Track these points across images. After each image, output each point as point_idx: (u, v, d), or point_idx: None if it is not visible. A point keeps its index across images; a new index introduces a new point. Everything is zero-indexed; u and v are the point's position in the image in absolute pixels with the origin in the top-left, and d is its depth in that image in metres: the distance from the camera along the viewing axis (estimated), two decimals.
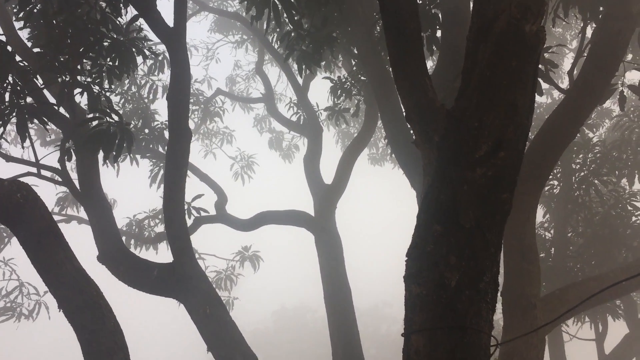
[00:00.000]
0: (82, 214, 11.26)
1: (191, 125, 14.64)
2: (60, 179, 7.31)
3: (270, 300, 52.18)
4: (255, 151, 15.17)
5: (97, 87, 7.18)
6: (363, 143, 10.83)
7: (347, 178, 10.48)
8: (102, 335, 4.65)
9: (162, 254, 11.30)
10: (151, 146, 10.59)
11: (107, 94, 7.59)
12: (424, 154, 3.41)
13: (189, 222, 10.22)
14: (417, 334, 2.90)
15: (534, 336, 5.32)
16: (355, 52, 8.81)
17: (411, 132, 6.16)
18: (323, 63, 10.63)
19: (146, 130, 10.62)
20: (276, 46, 11.36)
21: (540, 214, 11.93)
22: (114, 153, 6.79)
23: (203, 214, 9.79)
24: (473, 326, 2.83)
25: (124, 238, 11.51)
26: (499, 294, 5.82)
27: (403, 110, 3.93)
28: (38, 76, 6.90)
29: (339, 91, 9.69)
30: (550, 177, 10.84)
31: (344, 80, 9.68)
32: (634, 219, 10.17)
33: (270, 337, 44.04)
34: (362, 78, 9.41)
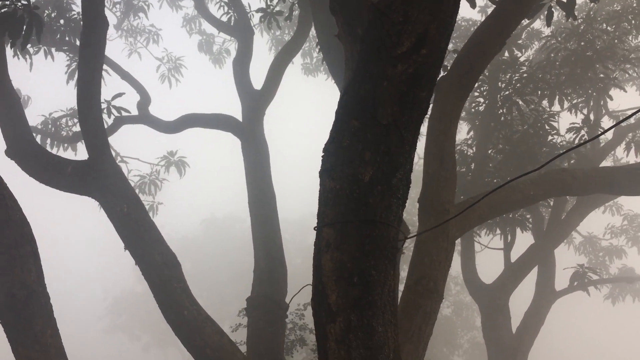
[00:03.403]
0: None
1: (113, 19, 13.67)
2: None
3: (200, 209, 52.26)
4: (183, 53, 14.50)
5: None
6: (295, 48, 10.52)
7: (278, 83, 10.23)
8: (7, 227, 4.44)
9: (82, 156, 10.83)
10: (67, 38, 9.82)
11: None
12: (346, 48, 3.31)
13: (109, 121, 9.80)
14: (329, 227, 2.93)
15: (445, 240, 5.59)
16: None
17: None
18: None
19: (61, 21, 9.81)
20: None
21: (464, 131, 12.30)
22: (22, 39, 6.24)
23: (124, 114, 9.36)
24: (383, 220, 2.89)
25: (39, 137, 10.93)
26: (416, 200, 6.00)
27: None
28: None
29: None
30: (477, 94, 11.09)
31: None
32: (550, 137, 10.66)
33: (198, 245, 44.41)
34: None
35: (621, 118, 12.25)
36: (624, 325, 43.75)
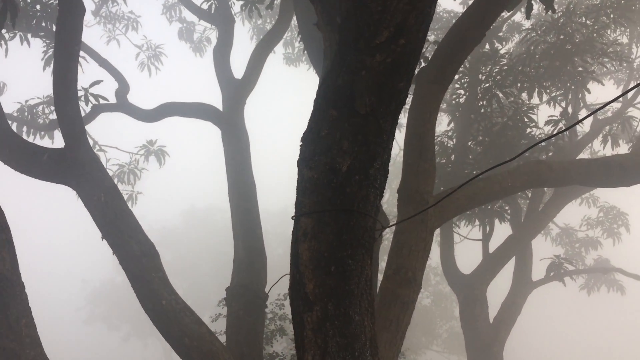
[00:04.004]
0: None
1: (90, 5, 13.46)
2: None
3: (181, 199, 51.85)
4: (163, 41, 14.32)
5: None
6: (276, 37, 10.45)
7: (259, 73, 10.17)
8: None
9: (59, 144, 10.66)
10: (44, 24, 9.62)
11: None
12: (325, 37, 3.29)
13: (87, 109, 9.66)
14: (306, 217, 2.93)
15: (424, 230, 5.62)
16: None
17: None
18: None
19: (37, 7, 9.60)
20: None
21: (445, 122, 12.37)
22: None
23: (102, 101, 9.23)
24: (360, 209, 2.90)
25: (15, 125, 10.73)
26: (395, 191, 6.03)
27: None
28: None
29: None
30: (457, 86, 11.15)
31: None
32: (528, 130, 10.78)
33: (178, 235, 44.06)
34: None
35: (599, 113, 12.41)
36: (598, 315, 44.64)
